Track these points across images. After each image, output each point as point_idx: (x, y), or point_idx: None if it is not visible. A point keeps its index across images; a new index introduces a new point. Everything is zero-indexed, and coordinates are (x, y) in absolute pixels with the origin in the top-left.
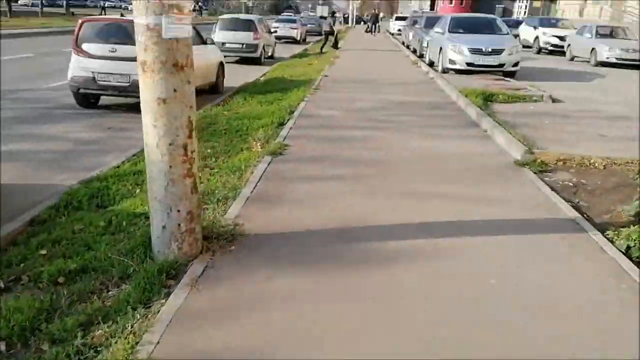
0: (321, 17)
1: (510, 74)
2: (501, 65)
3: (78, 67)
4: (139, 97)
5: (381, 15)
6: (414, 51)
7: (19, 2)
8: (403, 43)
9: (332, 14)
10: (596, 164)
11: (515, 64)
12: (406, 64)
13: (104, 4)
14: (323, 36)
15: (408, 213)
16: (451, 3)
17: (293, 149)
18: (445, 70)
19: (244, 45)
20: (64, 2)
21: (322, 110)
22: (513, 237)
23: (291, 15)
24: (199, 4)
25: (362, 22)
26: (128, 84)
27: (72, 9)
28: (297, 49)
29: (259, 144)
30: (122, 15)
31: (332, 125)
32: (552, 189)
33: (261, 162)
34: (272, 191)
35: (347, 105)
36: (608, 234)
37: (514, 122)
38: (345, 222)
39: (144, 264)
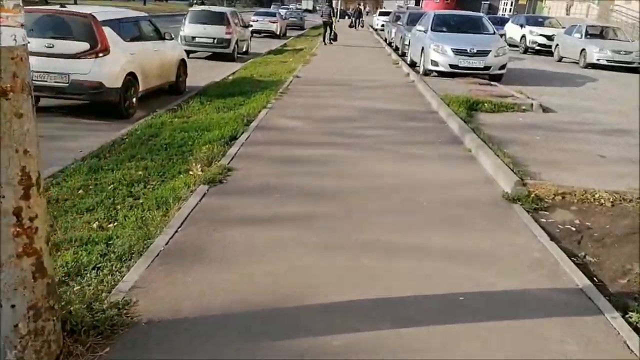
0: (306, 10)
1: (497, 78)
2: (487, 68)
3: None
4: (80, 99)
5: (367, 9)
6: (396, 49)
7: None
8: (385, 40)
9: (329, 2)
10: (602, 200)
11: (502, 67)
12: (387, 63)
13: None
14: (323, 27)
15: (368, 280)
16: None
17: (238, 175)
18: (427, 72)
19: (216, 40)
20: None
21: (285, 120)
22: (503, 326)
23: (284, 7)
24: None
25: (346, 17)
26: (67, 84)
27: None
28: (275, 44)
29: (199, 166)
30: (62, 5)
31: (292, 141)
32: (551, 237)
33: (194, 193)
34: (195, 241)
35: (314, 113)
36: (631, 317)
37: (502, 138)
38: (283, 298)
39: None
